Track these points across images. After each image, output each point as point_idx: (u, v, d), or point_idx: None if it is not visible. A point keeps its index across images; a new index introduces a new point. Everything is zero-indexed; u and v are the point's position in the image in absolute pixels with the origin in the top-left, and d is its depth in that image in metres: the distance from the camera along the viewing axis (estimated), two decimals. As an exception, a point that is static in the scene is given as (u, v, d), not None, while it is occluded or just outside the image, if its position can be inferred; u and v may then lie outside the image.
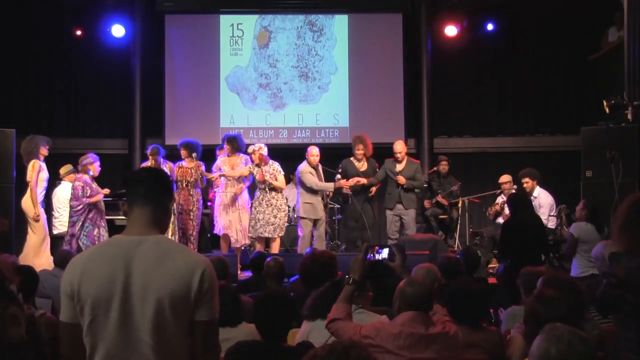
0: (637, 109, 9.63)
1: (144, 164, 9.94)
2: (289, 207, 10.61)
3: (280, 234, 9.60)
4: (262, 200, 9.45)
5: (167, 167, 9.66)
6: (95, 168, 9.32)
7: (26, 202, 9.12)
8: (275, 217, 9.42)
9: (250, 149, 9.64)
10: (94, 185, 9.32)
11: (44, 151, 9.12)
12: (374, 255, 4.86)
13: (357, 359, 2.45)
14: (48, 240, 9.25)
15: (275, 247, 9.57)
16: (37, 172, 9.00)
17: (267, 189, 9.46)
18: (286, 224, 9.80)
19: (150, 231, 2.82)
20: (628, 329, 3.76)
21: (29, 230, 9.13)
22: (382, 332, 3.84)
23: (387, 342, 3.80)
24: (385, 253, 4.89)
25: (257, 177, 9.41)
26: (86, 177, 9.25)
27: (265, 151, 9.53)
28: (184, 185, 9.57)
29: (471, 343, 4.31)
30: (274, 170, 9.52)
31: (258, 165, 9.44)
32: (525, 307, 3.73)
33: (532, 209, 8.49)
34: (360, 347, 2.52)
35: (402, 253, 4.77)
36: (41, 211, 9.14)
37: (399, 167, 10.01)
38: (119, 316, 2.68)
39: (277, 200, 9.50)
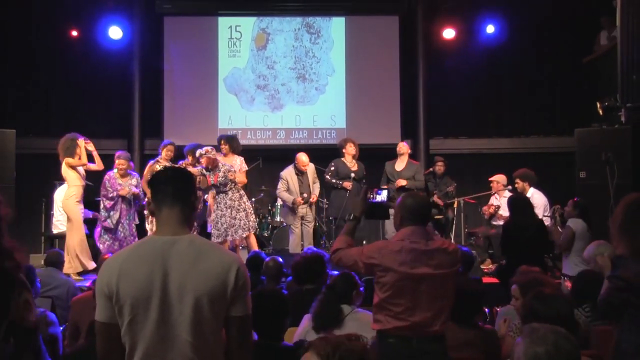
0: (630, 110, 9.69)
1: (153, 162, 9.90)
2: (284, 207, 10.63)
3: (243, 234, 9.31)
4: (221, 203, 9.30)
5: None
6: (118, 165, 9.50)
7: (65, 202, 9.14)
8: (234, 218, 9.25)
9: (197, 153, 9.47)
10: (119, 181, 9.46)
11: (79, 150, 9.05)
12: (374, 197, 5.04)
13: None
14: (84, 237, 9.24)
15: (252, 244, 9.40)
16: (69, 173, 9.04)
17: (223, 192, 9.31)
18: (252, 222, 9.48)
19: (181, 230, 2.89)
20: (632, 332, 3.74)
21: (68, 228, 9.12)
22: (384, 250, 4.06)
23: (388, 260, 3.99)
24: (384, 195, 5.09)
25: (207, 181, 9.25)
26: (111, 173, 9.44)
27: (213, 154, 9.33)
28: None
29: (467, 341, 4.38)
30: (226, 171, 9.27)
31: (208, 169, 9.28)
32: (523, 306, 3.79)
33: (532, 211, 8.53)
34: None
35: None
36: (79, 209, 9.10)
37: (399, 167, 10.23)
38: (157, 315, 2.75)
39: (235, 201, 9.30)
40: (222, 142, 9.66)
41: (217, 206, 9.30)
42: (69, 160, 8.96)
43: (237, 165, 9.53)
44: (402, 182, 9.87)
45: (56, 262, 7.20)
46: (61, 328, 5.82)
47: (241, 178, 9.39)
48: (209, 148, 9.42)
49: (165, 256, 2.80)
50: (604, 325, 4.70)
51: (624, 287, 3.71)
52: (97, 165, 9.35)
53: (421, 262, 3.98)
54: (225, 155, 9.60)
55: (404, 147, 10.44)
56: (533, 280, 4.58)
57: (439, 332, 4.04)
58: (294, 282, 6.02)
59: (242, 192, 9.46)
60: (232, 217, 9.24)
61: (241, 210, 9.30)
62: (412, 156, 12.44)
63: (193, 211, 3.02)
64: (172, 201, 2.92)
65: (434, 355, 4.00)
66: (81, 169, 9.14)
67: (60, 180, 10.11)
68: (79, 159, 9.08)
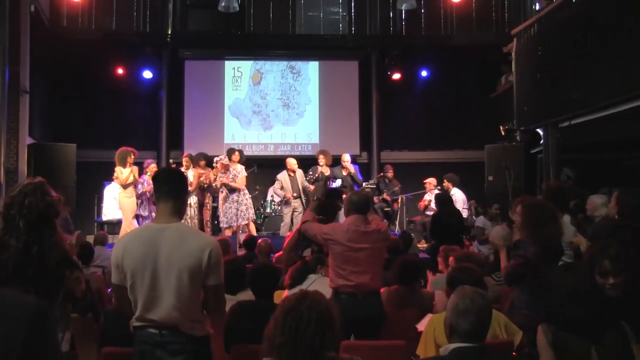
0: (522, 132, 9.97)
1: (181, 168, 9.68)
2: (273, 202, 10.59)
3: (244, 222, 9.40)
4: (228, 198, 9.41)
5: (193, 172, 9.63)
6: (152, 169, 9.25)
7: (119, 197, 9.03)
8: (237, 209, 9.34)
9: (214, 160, 9.58)
10: (150, 180, 9.31)
11: (130, 160, 8.89)
12: (331, 184, 5.29)
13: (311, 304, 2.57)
14: (134, 220, 9.02)
15: (251, 230, 9.46)
16: (126, 174, 8.83)
17: (229, 189, 9.40)
18: (251, 214, 9.53)
19: (171, 220, 2.85)
20: (524, 293, 3.88)
21: (123, 216, 8.98)
22: (336, 229, 4.26)
23: (339, 236, 4.18)
24: (338, 182, 5.31)
25: (218, 181, 9.43)
26: (145, 176, 9.20)
27: (226, 161, 9.43)
28: (203, 187, 9.54)
29: (410, 300, 4.53)
30: (234, 176, 9.38)
31: (222, 172, 9.44)
32: (447, 275, 3.85)
33: (453, 205, 8.71)
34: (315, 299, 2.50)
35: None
36: (129, 202, 8.88)
37: (344, 173, 10.07)
38: (150, 282, 2.76)
39: (239, 197, 9.38)
40: (236, 153, 9.60)
41: (226, 200, 9.37)
42: (120, 169, 8.88)
43: (238, 170, 9.51)
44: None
45: (102, 241, 7.31)
46: (109, 290, 5.97)
47: (239, 183, 9.42)
48: (222, 156, 9.51)
49: (157, 240, 2.78)
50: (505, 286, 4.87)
51: (524, 263, 3.86)
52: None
53: (361, 239, 4.15)
54: (232, 162, 9.58)
55: (347, 159, 10.22)
56: (464, 255, 4.61)
57: (376, 289, 4.24)
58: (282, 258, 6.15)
59: (245, 190, 9.52)
60: (236, 209, 9.32)
61: (243, 204, 9.37)
62: (367, 164, 12.64)
63: (183, 204, 2.97)
64: (166, 197, 2.87)
65: (372, 306, 4.16)
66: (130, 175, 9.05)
67: (107, 180, 10.20)
68: (130, 167, 8.92)
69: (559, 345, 2.65)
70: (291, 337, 2.20)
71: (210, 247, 2.79)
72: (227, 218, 9.36)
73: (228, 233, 9.31)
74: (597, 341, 2.62)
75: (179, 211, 2.91)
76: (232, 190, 9.40)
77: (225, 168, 9.41)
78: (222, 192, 9.57)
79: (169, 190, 2.89)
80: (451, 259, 4.62)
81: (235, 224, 9.37)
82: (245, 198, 9.51)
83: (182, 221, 3.01)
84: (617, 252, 3.07)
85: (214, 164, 9.57)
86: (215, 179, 9.55)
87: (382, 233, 4.31)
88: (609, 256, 3.06)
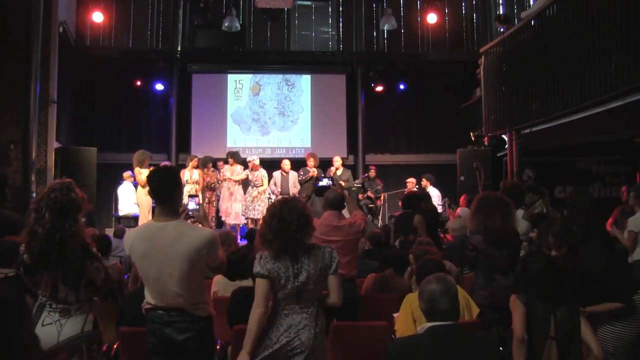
0: (490, 138, 10.08)
1: (183, 170, 9.44)
2: (270, 199, 10.69)
3: (257, 215, 9.22)
4: (251, 194, 9.46)
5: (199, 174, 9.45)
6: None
7: (137, 195, 8.76)
8: (256, 204, 9.39)
9: (247, 160, 9.66)
10: None
11: (147, 162, 8.59)
12: (318, 183, 5.27)
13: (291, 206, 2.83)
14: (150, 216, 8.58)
15: (259, 223, 9.53)
16: (145, 175, 8.44)
17: (253, 186, 9.46)
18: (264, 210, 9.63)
19: (170, 218, 2.83)
20: (480, 276, 3.96)
21: (139, 211, 8.71)
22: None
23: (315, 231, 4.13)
24: (325, 182, 5.31)
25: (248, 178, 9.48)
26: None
27: (256, 161, 9.54)
28: (211, 186, 9.51)
29: (396, 285, 4.58)
30: (262, 176, 9.48)
31: (251, 171, 9.52)
32: (418, 266, 3.88)
33: (431, 202, 8.74)
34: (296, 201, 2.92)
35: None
36: (147, 199, 8.33)
37: (339, 172, 10.07)
38: (155, 274, 2.80)
39: (260, 195, 9.46)
40: (229, 156, 9.64)
41: (249, 195, 9.44)
42: (138, 170, 8.59)
43: (237, 170, 9.52)
44: (342, 184, 10.01)
45: (120, 235, 7.30)
46: (126, 276, 6.01)
47: (240, 177, 9.46)
48: (254, 157, 9.67)
49: (158, 236, 2.79)
50: (469, 273, 4.96)
51: (472, 249, 3.98)
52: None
53: (333, 232, 4.14)
54: (231, 165, 9.61)
55: (338, 162, 10.12)
56: (422, 250, 4.59)
57: (348, 276, 4.15)
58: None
59: (268, 189, 9.55)
60: (256, 203, 9.42)
61: (263, 201, 9.46)
62: (354, 166, 12.68)
63: (178, 203, 2.91)
64: (163, 200, 2.86)
65: (345, 291, 4.14)
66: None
67: (121, 179, 10.19)
68: (148, 169, 8.36)
69: (530, 306, 2.96)
70: (278, 234, 2.75)
71: (207, 240, 2.82)
72: (249, 211, 9.41)
73: (251, 224, 9.40)
74: (554, 310, 2.93)
75: (174, 210, 2.87)
76: (255, 186, 9.45)
77: (256, 169, 9.50)
78: (229, 188, 9.51)
79: (162, 191, 2.87)
80: (411, 256, 4.66)
81: (251, 215, 9.41)
82: (262, 196, 9.55)
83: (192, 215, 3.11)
84: (559, 230, 3.51)
85: (248, 162, 9.58)
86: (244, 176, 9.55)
87: (353, 227, 4.26)
88: (552, 233, 3.51)
